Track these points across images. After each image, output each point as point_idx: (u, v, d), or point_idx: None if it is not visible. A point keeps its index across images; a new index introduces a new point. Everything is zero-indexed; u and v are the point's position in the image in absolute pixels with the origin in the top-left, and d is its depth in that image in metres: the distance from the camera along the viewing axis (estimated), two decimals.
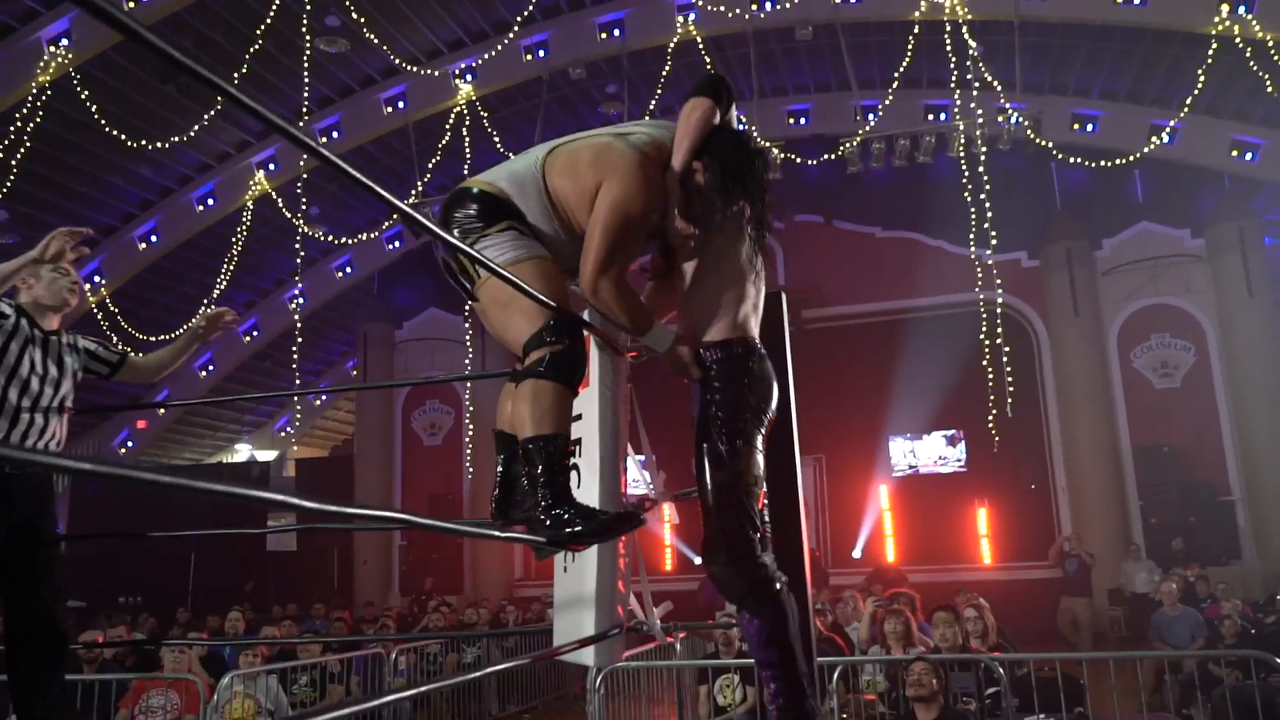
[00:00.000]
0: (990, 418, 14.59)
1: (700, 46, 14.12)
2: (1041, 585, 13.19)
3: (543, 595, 13.24)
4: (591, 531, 2.23)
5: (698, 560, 12.83)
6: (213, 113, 14.07)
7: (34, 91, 12.92)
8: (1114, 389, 14.58)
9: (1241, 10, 12.18)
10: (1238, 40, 12.21)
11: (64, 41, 13.00)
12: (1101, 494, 14.13)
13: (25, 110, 12.95)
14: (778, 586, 2.36)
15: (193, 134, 14.10)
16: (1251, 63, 12.27)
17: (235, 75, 13.30)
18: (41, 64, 12.87)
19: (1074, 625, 12.02)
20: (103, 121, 13.34)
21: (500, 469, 2.63)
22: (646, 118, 15.34)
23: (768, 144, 14.78)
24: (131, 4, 12.92)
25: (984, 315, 14.63)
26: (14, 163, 13.06)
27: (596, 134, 2.53)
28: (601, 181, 2.37)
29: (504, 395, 2.69)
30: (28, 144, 13.06)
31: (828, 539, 15.62)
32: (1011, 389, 14.55)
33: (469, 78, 15.02)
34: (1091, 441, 14.29)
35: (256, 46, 13.00)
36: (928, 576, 13.60)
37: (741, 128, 2.64)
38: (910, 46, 13.73)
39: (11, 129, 13.00)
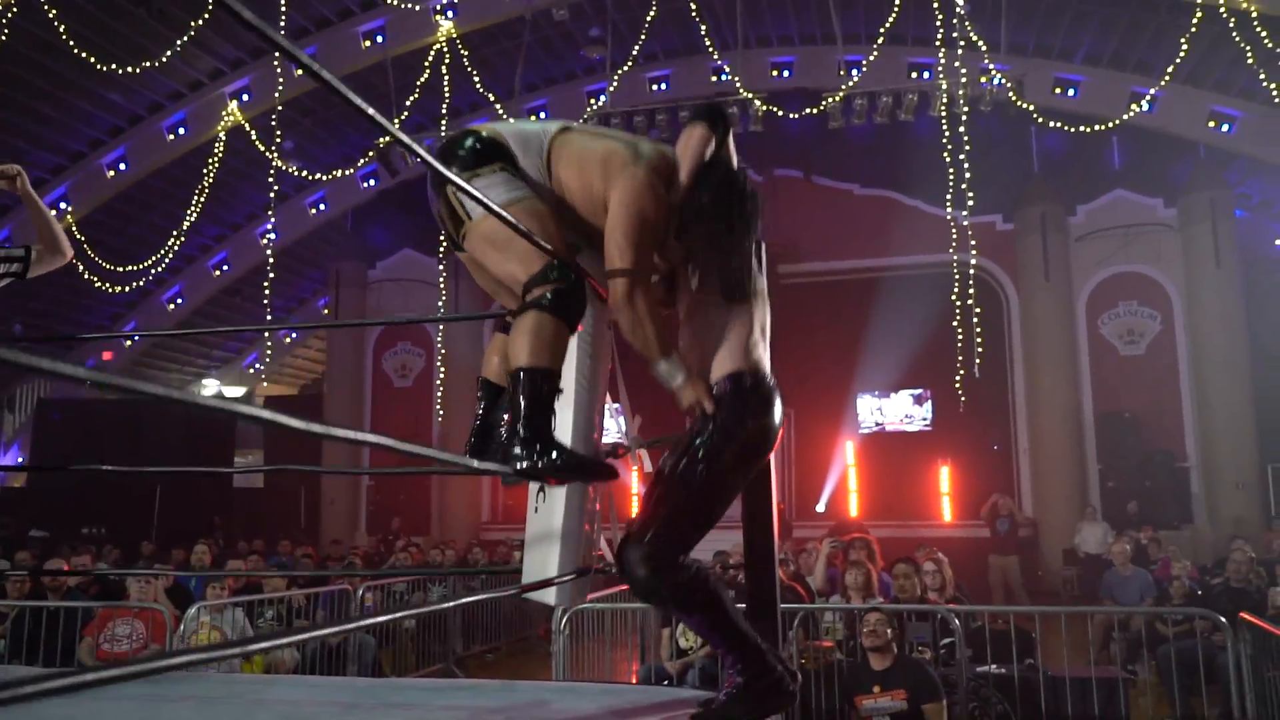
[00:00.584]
0: (957, 378, 14.77)
1: None
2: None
3: (509, 539, 13.35)
4: (562, 468, 2.24)
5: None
6: (186, 39, 13.75)
7: None
8: (1080, 354, 14.79)
9: None
10: (1222, 9, 12.22)
11: None
12: (1062, 457, 14.41)
13: None
14: (699, 580, 2.25)
15: (165, 60, 13.79)
16: (1234, 33, 12.30)
17: (209, 1, 13.01)
18: None
19: (1005, 583, 12.22)
20: (71, 43, 12.98)
21: (480, 415, 2.60)
22: (629, 64, 15.25)
23: (750, 95, 14.71)
24: None
25: (956, 277, 14.74)
26: None
27: (609, 136, 2.51)
28: (611, 190, 2.35)
29: (491, 347, 2.64)
30: None
31: (793, 492, 15.81)
32: (980, 350, 14.71)
33: (450, 14, 14.76)
34: (1055, 405, 14.52)
35: None
36: (889, 532, 13.78)
37: (736, 163, 2.58)
38: (896, 2, 13.62)
39: None
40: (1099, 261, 14.75)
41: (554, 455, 2.22)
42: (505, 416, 2.56)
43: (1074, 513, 13.66)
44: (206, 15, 13.04)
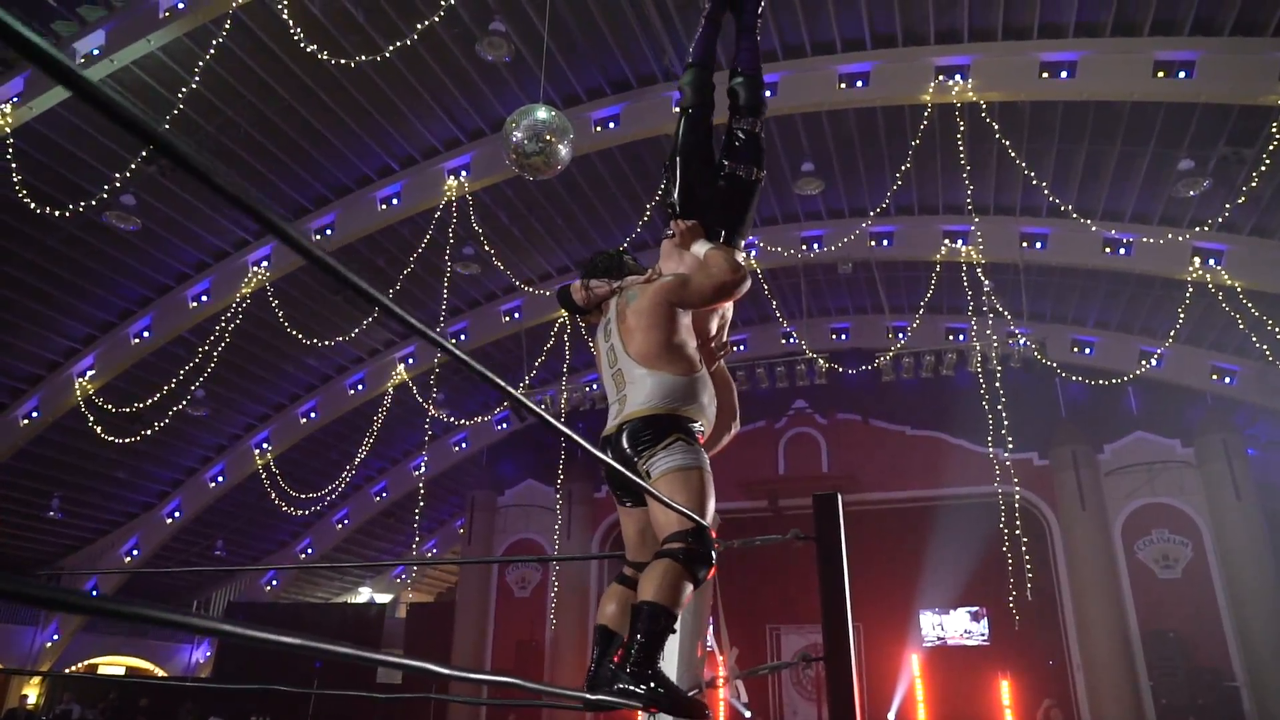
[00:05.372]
0: (1010, 598, 14.25)
1: (760, 276, 14.96)
2: None
3: None
4: (662, 700, 2.24)
5: (748, 715, 12.39)
6: (369, 319, 15.28)
7: (237, 300, 14.27)
8: (1121, 577, 14.18)
9: (1211, 262, 12.60)
10: (1210, 286, 12.57)
11: (264, 263, 14.42)
12: (1114, 673, 13.54)
13: (229, 314, 14.27)
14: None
15: (352, 335, 15.27)
16: (1224, 304, 12.56)
17: (390, 291, 14.54)
18: (246, 279, 14.26)
19: None
20: (285, 324, 14.56)
21: (594, 662, 2.54)
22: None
23: (814, 355, 15.38)
24: (319, 236, 14.40)
25: (1002, 506, 14.56)
26: (216, 354, 14.28)
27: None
28: (657, 293, 2.74)
29: (608, 596, 2.64)
30: (227, 340, 14.31)
31: (865, 703, 15.05)
32: (1030, 572, 14.25)
33: None
34: (1103, 624, 13.81)
35: (409, 270, 14.20)
36: None
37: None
38: (933, 281, 14.37)
39: (217, 327, 14.29)
40: (1128, 494, 14.43)
41: (657, 687, 2.23)
42: (617, 654, 2.54)
43: None
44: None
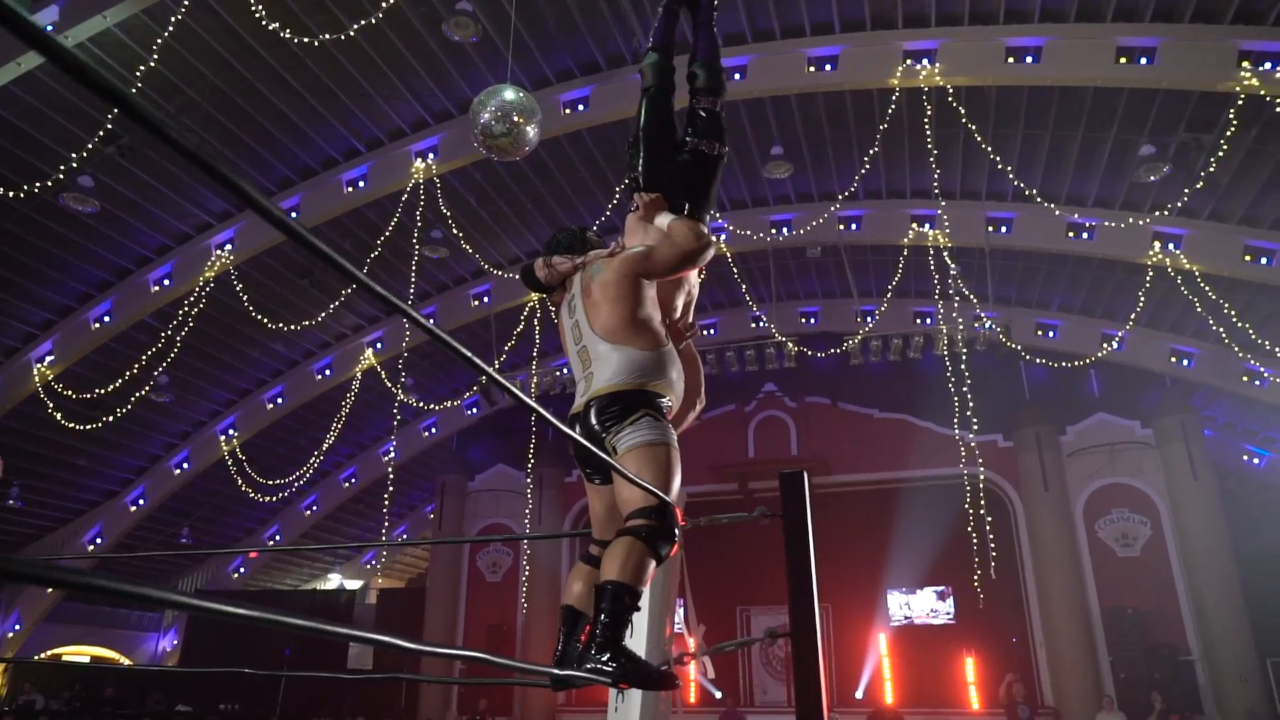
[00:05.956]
0: (975, 577, 14.48)
1: (729, 260, 14.99)
2: None
3: None
4: (632, 676, 2.22)
5: (718, 694, 12.56)
6: (336, 303, 15.08)
7: (200, 284, 14.01)
8: (1082, 556, 14.46)
9: (1171, 247, 12.82)
10: (1170, 270, 12.79)
11: (228, 246, 14.17)
12: (1075, 649, 13.82)
13: (193, 298, 14.01)
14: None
15: (319, 319, 15.08)
16: (1182, 288, 12.79)
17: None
18: (209, 263, 14.00)
19: None
20: (250, 308, 14.32)
21: (561, 643, 2.53)
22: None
23: (783, 338, 15.45)
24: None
25: (967, 487, 14.76)
26: (179, 339, 14.02)
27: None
28: (622, 265, 2.69)
29: (574, 575, 2.62)
30: (191, 324, 14.05)
31: (834, 680, 15.25)
32: (994, 552, 14.49)
33: None
34: (1064, 602, 14.08)
35: (376, 253, 14.00)
36: (922, 719, 13.25)
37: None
38: (901, 265, 14.47)
39: (180, 312, 14.03)
40: (1090, 474, 14.69)
41: (626, 663, 2.20)
42: (584, 635, 2.49)
43: (1091, 702, 12.96)
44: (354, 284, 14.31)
